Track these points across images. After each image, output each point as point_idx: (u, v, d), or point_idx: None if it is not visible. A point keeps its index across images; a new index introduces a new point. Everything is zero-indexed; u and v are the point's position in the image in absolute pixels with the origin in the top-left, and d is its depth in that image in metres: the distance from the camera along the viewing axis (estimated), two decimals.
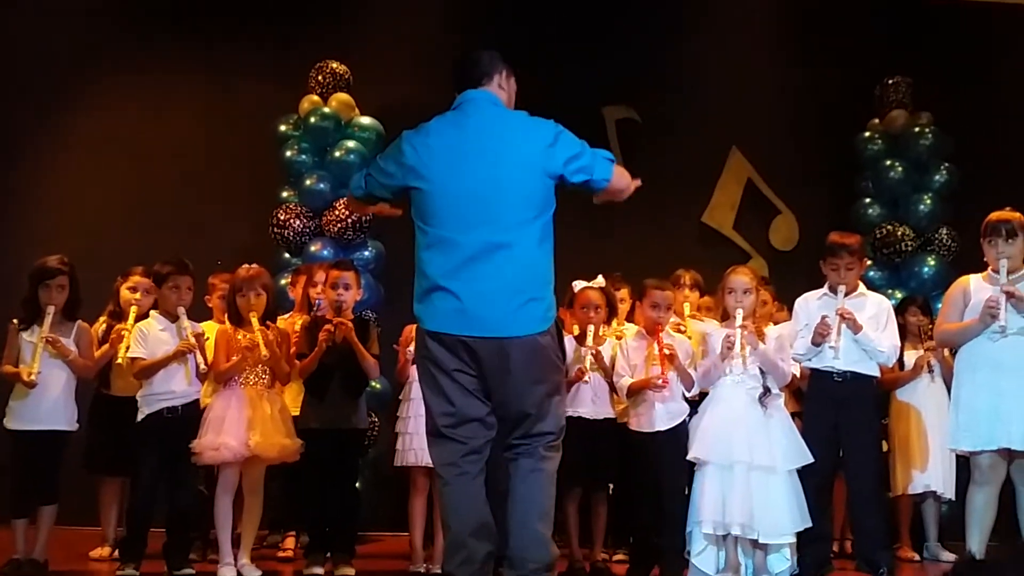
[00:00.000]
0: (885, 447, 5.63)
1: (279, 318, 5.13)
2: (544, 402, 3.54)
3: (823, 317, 4.69)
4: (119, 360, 4.80)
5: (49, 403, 4.68)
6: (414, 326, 5.01)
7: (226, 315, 4.92)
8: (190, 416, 4.72)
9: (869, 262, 6.68)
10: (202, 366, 4.69)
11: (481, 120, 3.57)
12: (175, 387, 4.71)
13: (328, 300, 5.01)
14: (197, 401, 4.82)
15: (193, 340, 4.68)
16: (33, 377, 4.58)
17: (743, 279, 4.61)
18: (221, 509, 4.72)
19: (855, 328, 4.68)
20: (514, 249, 3.47)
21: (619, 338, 5.15)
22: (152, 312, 4.90)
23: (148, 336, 4.74)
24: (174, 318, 4.76)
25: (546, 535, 3.52)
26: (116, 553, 5.08)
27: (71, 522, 5.29)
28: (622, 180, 3.65)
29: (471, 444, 3.52)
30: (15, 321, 4.75)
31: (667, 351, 4.80)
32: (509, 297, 3.46)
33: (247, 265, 4.87)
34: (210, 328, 5.04)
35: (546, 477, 3.53)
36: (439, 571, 4.88)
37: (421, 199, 3.56)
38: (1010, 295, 4.37)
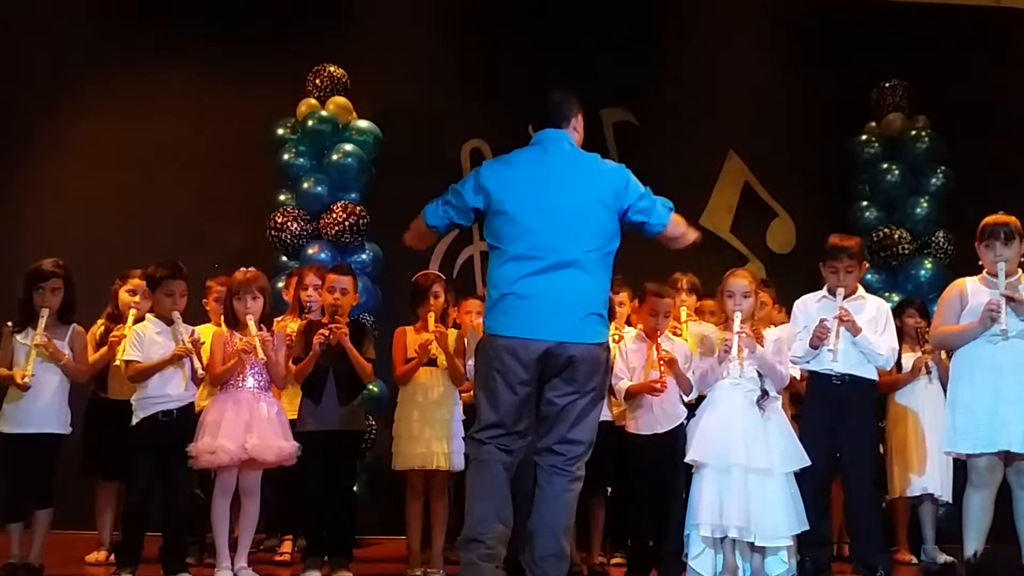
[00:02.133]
0: (882, 450, 5.63)
1: (273, 321, 5.12)
2: (586, 411, 3.81)
3: (821, 320, 4.68)
4: (118, 363, 4.79)
5: (42, 406, 4.65)
6: (407, 328, 5.08)
7: (223, 318, 4.91)
8: (185, 420, 4.71)
9: (868, 265, 6.69)
10: (199, 371, 4.68)
11: (559, 157, 3.89)
12: (171, 391, 4.68)
13: (325, 303, 5.01)
14: (192, 405, 4.80)
15: (190, 344, 4.67)
16: (26, 380, 4.56)
17: (742, 282, 4.61)
18: (218, 513, 4.70)
19: (854, 330, 4.68)
20: (583, 269, 3.79)
21: (618, 341, 5.15)
22: (148, 315, 4.88)
23: (144, 339, 4.72)
24: (169, 322, 4.75)
25: (567, 551, 3.84)
26: (112, 557, 5.07)
27: (67, 526, 5.29)
28: (677, 228, 3.99)
29: (508, 448, 3.78)
30: (9, 324, 4.73)
31: (666, 356, 4.80)
32: (577, 307, 3.76)
33: (244, 268, 4.86)
34: (207, 331, 5.02)
35: (574, 498, 3.84)
36: (436, 573, 4.89)
37: (497, 221, 3.84)
38: (1010, 299, 4.37)
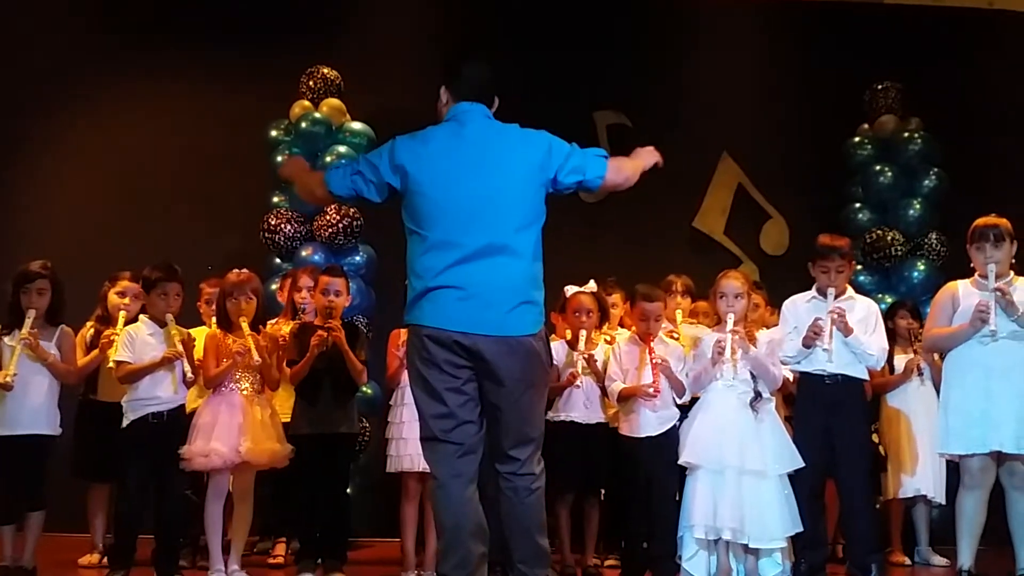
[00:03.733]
0: (883, 451, 5.64)
1: (267, 323, 5.11)
2: (531, 405, 3.59)
3: (816, 319, 4.68)
4: (109, 365, 4.78)
5: (30, 407, 4.64)
6: (401, 331, 5.05)
7: (214, 320, 4.90)
8: (176, 422, 4.70)
9: (859, 266, 6.71)
10: (188, 374, 4.67)
11: (478, 131, 3.62)
12: (161, 393, 4.67)
13: (318, 305, 5.01)
14: (183, 407, 4.79)
15: (180, 348, 4.66)
16: (9, 380, 4.53)
17: (734, 283, 4.62)
18: (211, 515, 4.70)
19: (845, 331, 4.68)
20: (511, 253, 3.51)
21: (611, 343, 5.16)
22: (141, 316, 4.87)
23: (136, 340, 4.72)
24: (163, 323, 4.74)
25: (546, 547, 3.63)
26: (105, 560, 5.06)
27: (60, 528, 5.28)
28: (620, 173, 3.66)
29: (466, 445, 3.53)
30: None
31: (658, 360, 4.79)
32: (506, 297, 3.49)
33: (237, 270, 4.86)
34: (201, 334, 5.02)
35: (541, 494, 3.61)
36: None
37: (416, 204, 3.57)
38: (1003, 293, 4.39)
